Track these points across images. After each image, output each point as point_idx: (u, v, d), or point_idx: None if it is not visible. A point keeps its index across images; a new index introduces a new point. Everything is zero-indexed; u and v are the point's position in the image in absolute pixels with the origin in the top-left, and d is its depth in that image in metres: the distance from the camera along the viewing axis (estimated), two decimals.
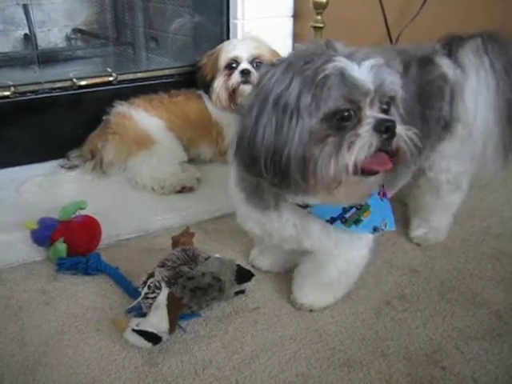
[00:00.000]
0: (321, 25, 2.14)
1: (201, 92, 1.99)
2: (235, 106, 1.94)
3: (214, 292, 1.20)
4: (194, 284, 1.17)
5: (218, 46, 1.99)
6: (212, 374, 1.08)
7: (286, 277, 1.37)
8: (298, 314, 1.24)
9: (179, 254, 1.23)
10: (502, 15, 2.82)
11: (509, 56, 1.35)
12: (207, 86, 1.96)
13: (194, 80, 2.03)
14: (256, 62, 1.92)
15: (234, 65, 1.91)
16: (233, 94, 1.91)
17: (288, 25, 2.21)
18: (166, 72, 2.14)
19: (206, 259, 1.25)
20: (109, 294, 1.30)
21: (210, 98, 1.96)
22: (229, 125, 1.96)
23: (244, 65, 1.90)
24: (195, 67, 2.06)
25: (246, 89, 1.90)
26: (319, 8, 2.12)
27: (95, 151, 1.84)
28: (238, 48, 1.92)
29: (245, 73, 1.89)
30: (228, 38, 2.17)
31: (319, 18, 2.14)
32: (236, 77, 1.89)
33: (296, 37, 2.24)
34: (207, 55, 2.00)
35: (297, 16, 2.21)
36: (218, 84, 1.92)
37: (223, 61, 1.91)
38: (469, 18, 2.71)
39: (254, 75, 1.89)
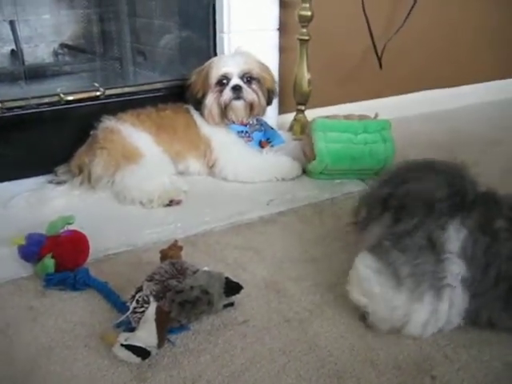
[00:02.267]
0: (306, 37, 2.16)
1: (188, 106, 2.00)
2: (227, 122, 1.95)
3: (202, 305, 1.20)
4: (182, 297, 1.17)
5: (207, 63, 1.99)
6: None
7: (274, 289, 1.37)
8: (287, 326, 1.24)
9: (167, 267, 1.23)
10: (484, 27, 2.85)
11: None
12: (198, 103, 1.96)
13: (181, 94, 2.04)
14: (246, 76, 1.93)
15: (224, 81, 1.92)
16: (224, 109, 1.92)
17: (274, 38, 2.22)
18: (154, 86, 2.15)
19: (195, 272, 1.25)
20: (97, 309, 1.29)
21: (201, 114, 1.96)
22: (217, 139, 1.97)
23: (235, 81, 1.91)
24: (183, 81, 2.07)
25: (238, 104, 1.92)
26: (304, 21, 2.14)
27: (83, 166, 1.84)
28: (229, 64, 1.93)
29: (236, 89, 1.91)
30: (215, 52, 2.19)
31: (304, 30, 2.16)
32: (228, 93, 1.91)
33: (282, 49, 2.26)
34: (196, 72, 2.00)
35: (283, 29, 2.23)
36: (210, 101, 1.93)
37: (214, 77, 1.92)
38: (453, 28, 2.75)
39: (246, 90, 1.91)
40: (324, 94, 2.39)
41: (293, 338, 1.21)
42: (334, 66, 2.48)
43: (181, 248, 1.35)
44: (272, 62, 2.18)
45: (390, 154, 1.92)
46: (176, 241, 1.38)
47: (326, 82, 2.41)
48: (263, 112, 2.02)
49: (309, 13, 2.13)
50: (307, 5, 2.12)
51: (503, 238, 1.18)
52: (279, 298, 1.34)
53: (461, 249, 1.17)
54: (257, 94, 1.95)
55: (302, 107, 2.29)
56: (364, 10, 2.33)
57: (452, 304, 1.17)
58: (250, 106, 1.95)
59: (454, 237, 1.18)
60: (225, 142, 1.97)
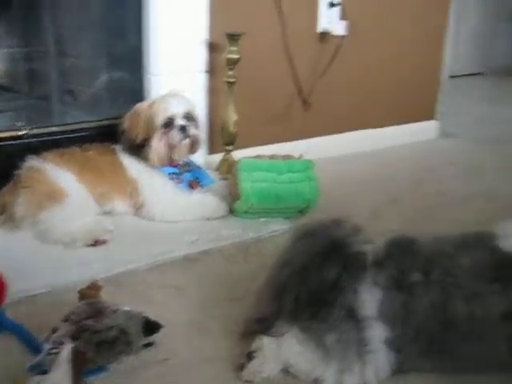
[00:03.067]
0: (233, 80, 2.21)
1: (115, 147, 1.99)
2: (172, 161, 1.97)
3: (120, 345, 1.18)
4: (99, 338, 1.15)
5: (137, 106, 1.99)
6: None
7: (197, 327, 1.37)
8: (208, 365, 1.24)
9: (84, 307, 1.22)
10: (401, 71, 2.98)
11: None
12: (137, 148, 1.95)
13: (110, 134, 2.03)
14: (187, 116, 1.96)
15: (169, 122, 1.94)
16: (170, 150, 1.95)
17: (202, 79, 2.27)
18: (81, 126, 2.14)
19: (115, 312, 1.24)
20: (12, 352, 1.26)
21: (139, 158, 1.96)
22: (145, 180, 1.97)
23: (180, 121, 1.94)
24: (111, 121, 2.07)
25: (186, 143, 1.96)
26: (231, 64, 2.19)
27: (6, 205, 1.81)
28: (173, 105, 1.95)
29: (183, 129, 1.93)
30: (143, 93, 2.21)
31: (231, 73, 2.21)
32: (176, 134, 1.93)
33: (211, 91, 2.30)
34: (129, 116, 1.98)
35: (211, 71, 2.28)
36: (156, 143, 1.93)
37: (160, 120, 1.93)
38: (379, 69, 2.87)
39: (191, 130, 1.94)
40: (252, 134, 2.43)
41: (213, 376, 1.21)
42: (261, 107, 2.53)
43: (100, 287, 1.33)
44: (200, 103, 2.22)
45: (314, 193, 1.97)
46: (96, 280, 1.37)
47: (254, 122, 2.47)
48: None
49: (236, 56, 2.19)
50: (235, 48, 2.18)
51: (418, 294, 1.16)
52: (201, 336, 1.34)
53: (379, 311, 1.15)
54: (198, 132, 2.01)
55: (230, 147, 2.33)
56: (289, 54, 2.41)
57: (378, 366, 1.15)
58: (192, 144, 1.99)
59: (369, 299, 1.15)
60: (153, 184, 1.97)
